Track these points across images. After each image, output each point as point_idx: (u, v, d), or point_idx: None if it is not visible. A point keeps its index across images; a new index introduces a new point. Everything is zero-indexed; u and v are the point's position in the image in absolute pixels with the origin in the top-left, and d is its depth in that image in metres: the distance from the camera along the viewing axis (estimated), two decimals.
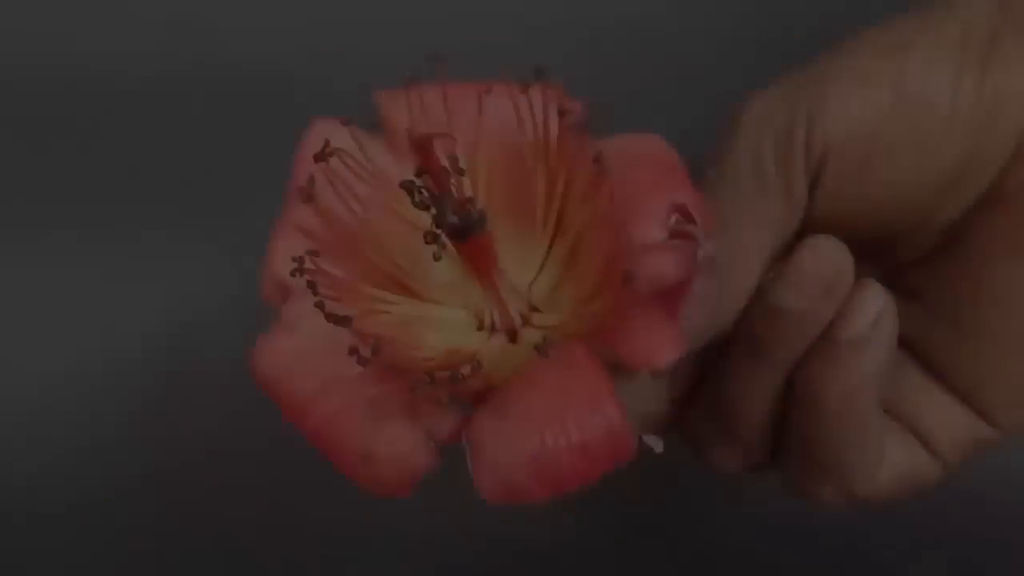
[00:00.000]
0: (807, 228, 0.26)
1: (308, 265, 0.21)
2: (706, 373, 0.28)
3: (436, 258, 0.21)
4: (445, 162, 0.21)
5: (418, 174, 0.20)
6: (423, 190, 0.20)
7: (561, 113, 0.22)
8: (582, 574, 0.47)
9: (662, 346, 0.21)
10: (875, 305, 0.25)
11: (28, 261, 0.41)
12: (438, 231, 0.21)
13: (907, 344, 0.28)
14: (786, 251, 0.25)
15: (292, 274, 0.21)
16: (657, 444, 0.22)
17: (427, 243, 0.21)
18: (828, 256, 0.24)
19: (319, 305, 0.21)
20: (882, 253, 0.28)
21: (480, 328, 0.25)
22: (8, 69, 0.38)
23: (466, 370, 0.21)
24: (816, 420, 0.25)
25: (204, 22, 0.37)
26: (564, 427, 0.20)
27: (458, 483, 0.23)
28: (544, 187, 0.24)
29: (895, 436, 0.28)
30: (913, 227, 0.26)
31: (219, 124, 0.38)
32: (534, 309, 0.25)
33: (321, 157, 0.22)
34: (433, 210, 0.20)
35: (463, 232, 0.20)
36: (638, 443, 0.21)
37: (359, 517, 0.44)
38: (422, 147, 0.19)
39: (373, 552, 0.45)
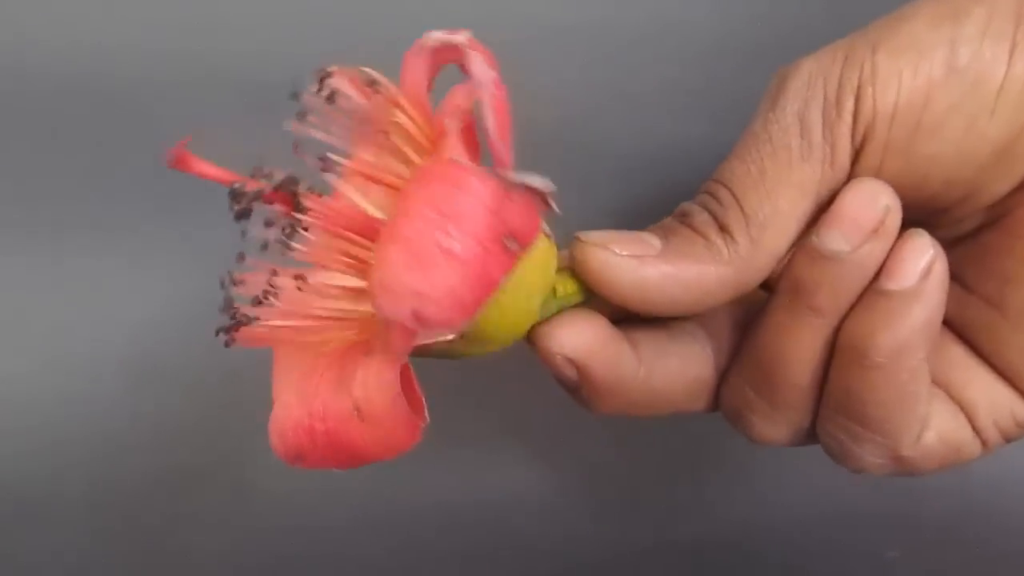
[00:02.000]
0: None
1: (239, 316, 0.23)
2: (747, 339, 0.27)
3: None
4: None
5: (232, 198, 0.23)
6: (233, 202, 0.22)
7: (370, 84, 0.24)
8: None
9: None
10: (924, 255, 0.24)
11: (42, 260, 0.41)
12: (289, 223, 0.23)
13: (949, 323, 0.27)
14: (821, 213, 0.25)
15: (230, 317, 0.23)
16: (540, 181, 0.21)
17: (285, 236, 0.23)
18: (874, 196, 0.24)
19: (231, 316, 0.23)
20: (924, 229, 0.27)
21: None
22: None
23: None
24: (863, 377, 0.25)
25: (189, 21, 0.37)
26: (406, 209, 0.20)
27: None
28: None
29: (940, 403, 0.27)
30: (957, 203, 0.26)
31: (209, 119, 0.38)
32: None
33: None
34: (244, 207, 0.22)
35: (285, 191, 0.22)
36: (511, 182, 0.20)
37: (375, 519, 0.43)
38: (174, 162, 0.22)
39: (391, 552, 0.43)
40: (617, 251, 0.24)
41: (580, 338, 0.26)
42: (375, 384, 0.21)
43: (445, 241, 0.20)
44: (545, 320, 0.26)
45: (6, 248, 0.41)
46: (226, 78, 0.36)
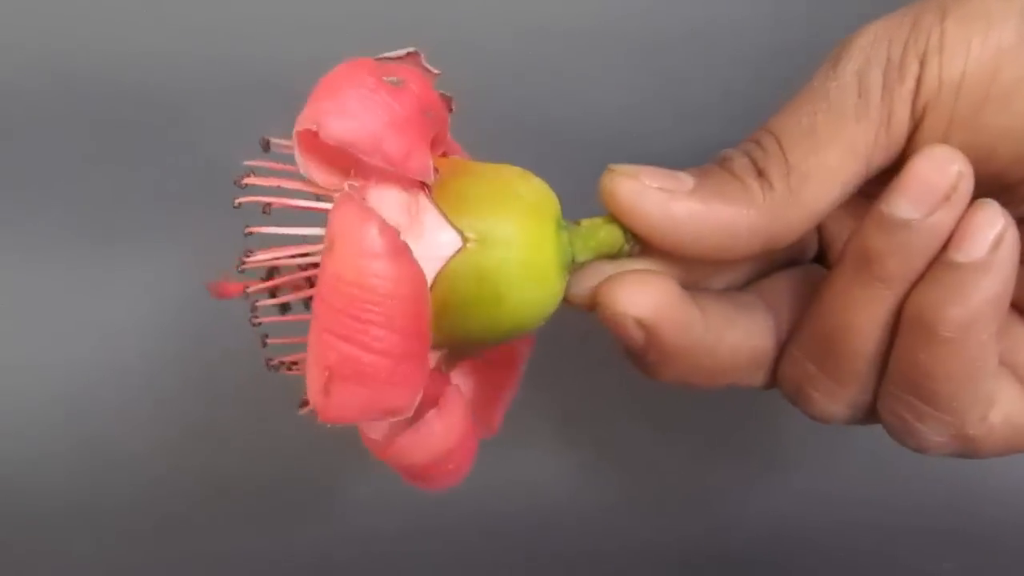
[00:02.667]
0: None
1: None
2: (808, 311, 0.27)
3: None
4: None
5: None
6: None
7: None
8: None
9: None
10: (995, 225, 0.24)
11: (89, 264, 0.39)
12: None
13: (1014, 304, 0.27)
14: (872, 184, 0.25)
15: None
16: (402, 50, 0.24)
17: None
18: (946, 162, 0.24)
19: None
20: None
21: None
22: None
23: None
24: (930, 351, 0.25)
25: (233, 28, 0.36)
26: None
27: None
28: None
29: (1007, 383, 0.27)
30: (1022, 181, 0.25)
31: (214, 122, 0.37)
32: None
33: None
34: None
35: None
36: (379, 57, 0.24)
37: (422, 526, 0.42)
38: (213, 294, 0.26)
39: (435, 559, 0.43)
40: (647, 183, 0.24)
41: (651, 299, 0.25)
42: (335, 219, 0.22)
43: (332, 97, 0.23)
44: (609, 280, 0.26)
45: (52, 252, 0.41)
46: (270, 84, 0.36)
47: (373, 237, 0.21)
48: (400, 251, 0.22)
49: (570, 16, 0.39)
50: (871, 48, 0.24)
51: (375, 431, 0.25)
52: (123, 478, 0.43)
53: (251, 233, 0.25)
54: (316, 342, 0.23)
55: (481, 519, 0.44)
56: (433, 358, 0.26)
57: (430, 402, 0.25)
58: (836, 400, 0.27)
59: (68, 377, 0.43)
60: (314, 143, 0.23)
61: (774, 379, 0.28)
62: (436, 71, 0.25)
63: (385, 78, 0.24)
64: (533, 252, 0.25)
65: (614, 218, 0.26)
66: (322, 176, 0.24)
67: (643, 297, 0.25)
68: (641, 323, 0.25)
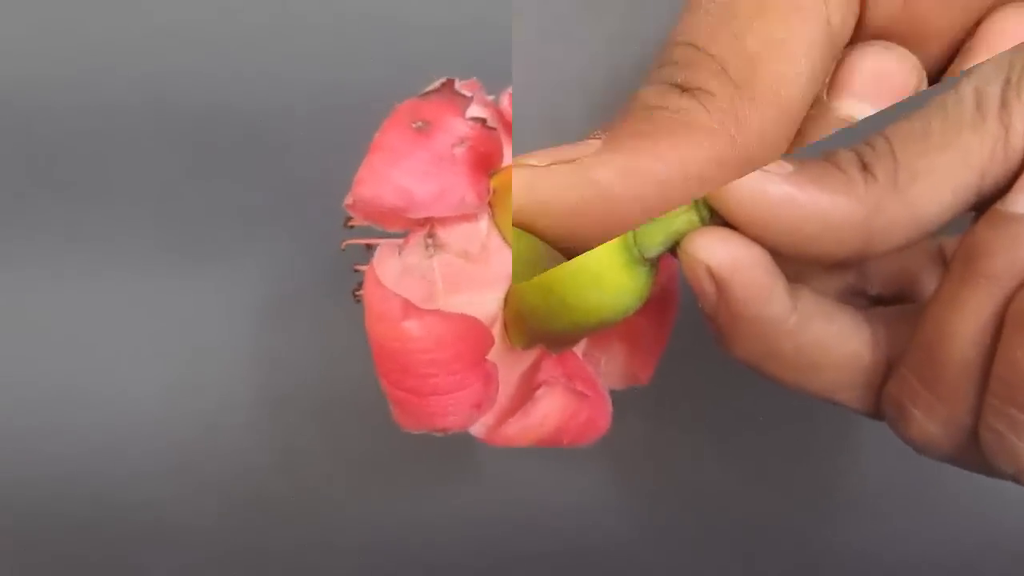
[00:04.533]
0: None
1: None
2: (917, 323, 0.26)
3: None
4: None
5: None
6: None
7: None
8: None
9: None
10: None
11: (174, 282, 0.39)
12: None
13: None
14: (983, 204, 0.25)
15: None
16: (437, 82, 0.24)
17: None
18: None
19: None
20: None
21: None
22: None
23: None
24: None
25: (323, 52, 0.38)
26: None
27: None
28: None
29: None
30: None
31: (300, 141, 0.38)
32: None
33: None
34: None
35: None
36: (422, 92, 0.25)
37: (483, 548, 0.41)
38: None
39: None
40: None
41: (729, 252, 0.25)
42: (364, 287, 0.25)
43: (365, 163, 0.25)
44: (697, 229, 0.25)
45: (142, 270, 0.43)
46: (352, 105, 0.35)
47: (381, 306, 0.24)
48: (409, 315, 0.24)
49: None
50: (991, 70, 0.24)
51: (473, 429, 0.27)
52: (210, 498, 0.44)
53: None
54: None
55: (532, 542, 0.43)
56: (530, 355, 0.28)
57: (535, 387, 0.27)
58: (936, 418, 0.25)
59: (156, 394, 0.44)
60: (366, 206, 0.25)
61: (876, 405, 0.27)
62: (468, 94, 0.26)
63: (413, 124, 0.25)
64: (584, 260, 0.25)
65: (696, 202, 0.25)
66: (396, 224, 0.27)
67: (721, 248, 0.24)
68: (713, 274, 0.25)
